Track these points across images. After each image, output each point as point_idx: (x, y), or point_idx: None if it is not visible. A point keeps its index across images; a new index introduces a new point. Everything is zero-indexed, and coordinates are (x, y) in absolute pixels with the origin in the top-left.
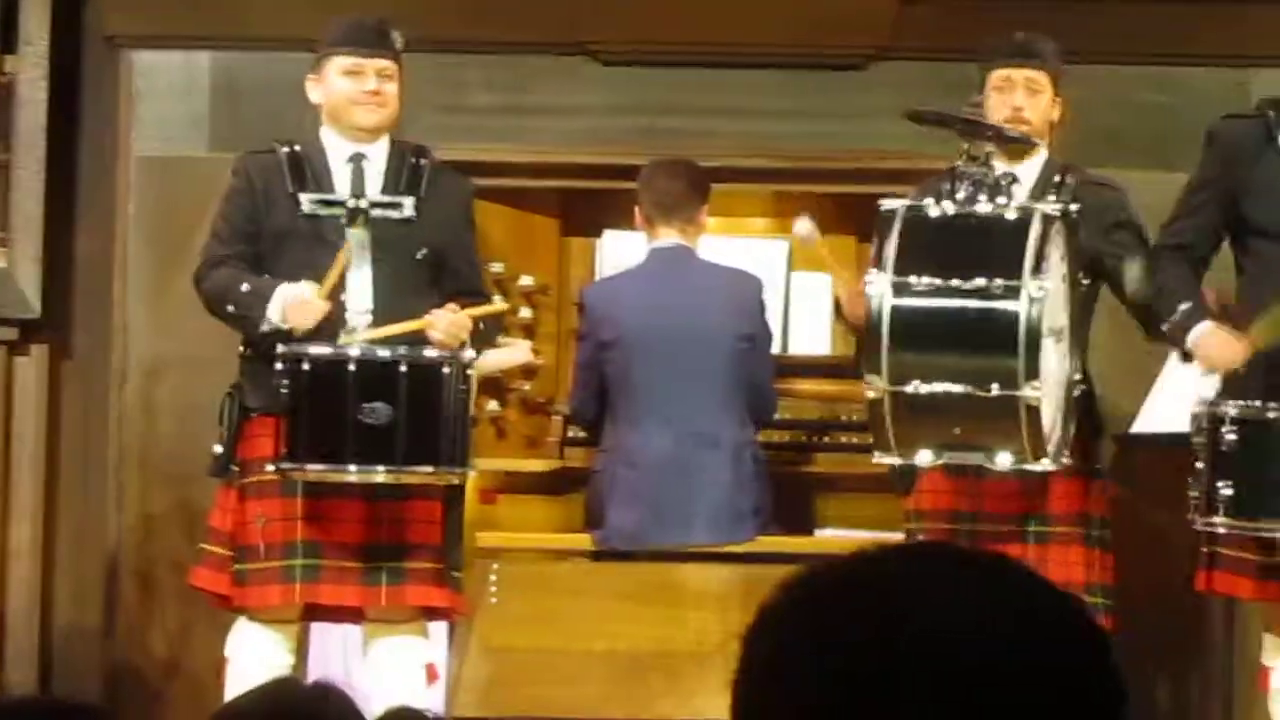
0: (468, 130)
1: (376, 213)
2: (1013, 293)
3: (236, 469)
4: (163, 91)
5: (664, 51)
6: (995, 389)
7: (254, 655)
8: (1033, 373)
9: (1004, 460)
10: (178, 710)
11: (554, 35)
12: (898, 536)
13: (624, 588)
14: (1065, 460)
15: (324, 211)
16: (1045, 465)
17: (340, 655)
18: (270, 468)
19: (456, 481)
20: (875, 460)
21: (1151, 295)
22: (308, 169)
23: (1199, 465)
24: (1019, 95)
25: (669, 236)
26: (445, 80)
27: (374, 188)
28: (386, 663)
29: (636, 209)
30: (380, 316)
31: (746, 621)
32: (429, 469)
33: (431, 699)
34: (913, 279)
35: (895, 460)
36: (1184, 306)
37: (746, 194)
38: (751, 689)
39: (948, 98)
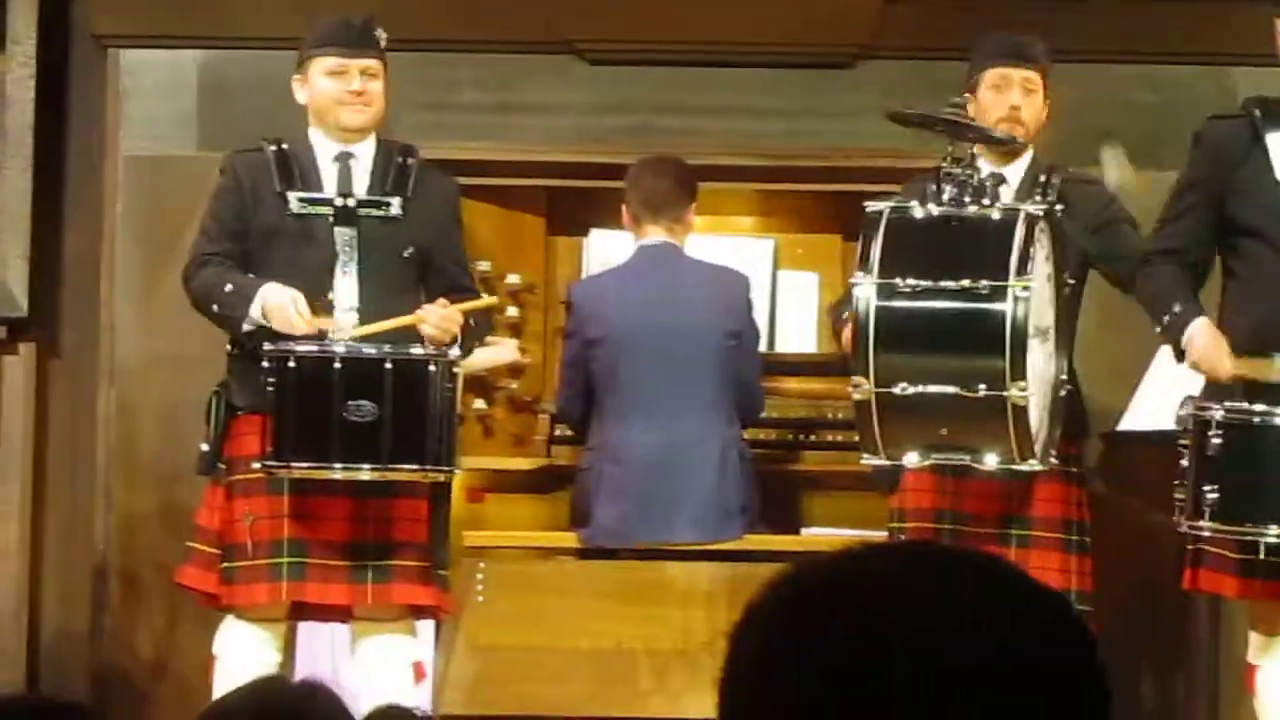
0: (454, 129)
1: (363, 212)
2: (998, 293)
3: (224, 467)
4: (150, 90)
5: (651, 50)
6: (982, 390)
7: (242, 653)
8: (1019, 373)
9: (991, 461)
10: (166, 709)
11: (541, 34)
12: (883, 535)
13: (611, 586)
14: (1052, 460)
15: (311, 210)
16: (1032, 465)
17: (328, 653)
18: (256, 466)
19: (442, 480)
20: (863, 462)
21: (1144, 301)
22: (295, 168)
23: (1185, 465)
24: (1015, 94)
25: (656, 235)
26: (432, 79)
27: (361, 187)
28: (374, 661)
29: (624, 207)
30: (367, 315)
31: (733, 619)
32: (414, 467)
33: (418, 697)
34: (898, 280)
35: (883, 462)
36: (1177, 307)
37: (733, 192)
38: (738, 687)
39: (933, 97)
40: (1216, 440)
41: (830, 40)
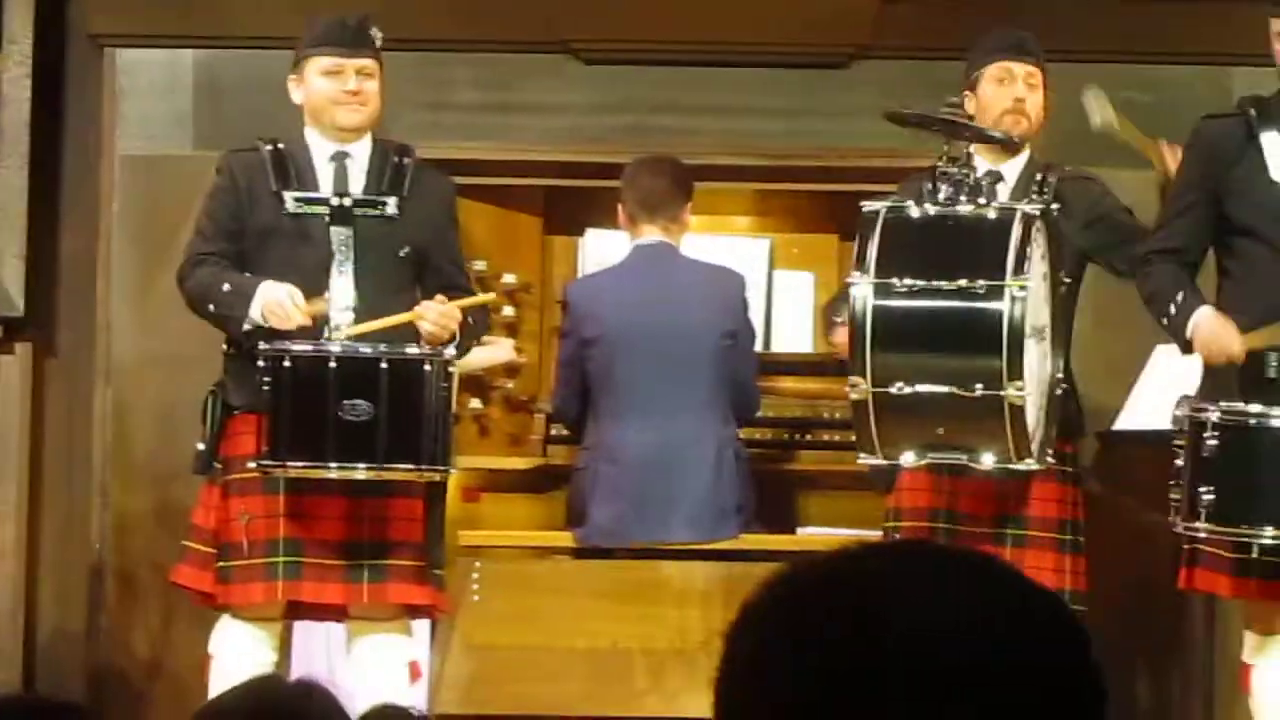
0: (451, 128)
1: (359, 211)
2: (995, 293)
3: (220, 466)
4: (146, 90)
5: (647, 50)
6: (979, 389)
7: (237, 653)
8: (1016, 373)
9: (988, 460)
10: (161, 708)
11: (537, 34)
12: (879, 535)
13: (606, 585)
14: (1049, 460)
15: (308, 210)
16: (1029, 465)
17: (324, 653)
18: (252, 465)
19: (438, 479)
20: (860, 461)
21: (1145, 303)
22: (291, 167)
23: (1180, 465)
24: (1020, 86)
25: (652, 234)
26: (429, 78)
27: (357, 186)
28: (369, 660)
29: (620, 207)
30: (363, 315)
31: (729, 619)
32: (410, 467)
33: (414, 697)
34: (895, 280)
35: (879, 461)
36: (1180, 297)
37: (729, 192)
38: (733, 686)
39: (930, 97)
40: (1212, 441)
41: (827, 40)
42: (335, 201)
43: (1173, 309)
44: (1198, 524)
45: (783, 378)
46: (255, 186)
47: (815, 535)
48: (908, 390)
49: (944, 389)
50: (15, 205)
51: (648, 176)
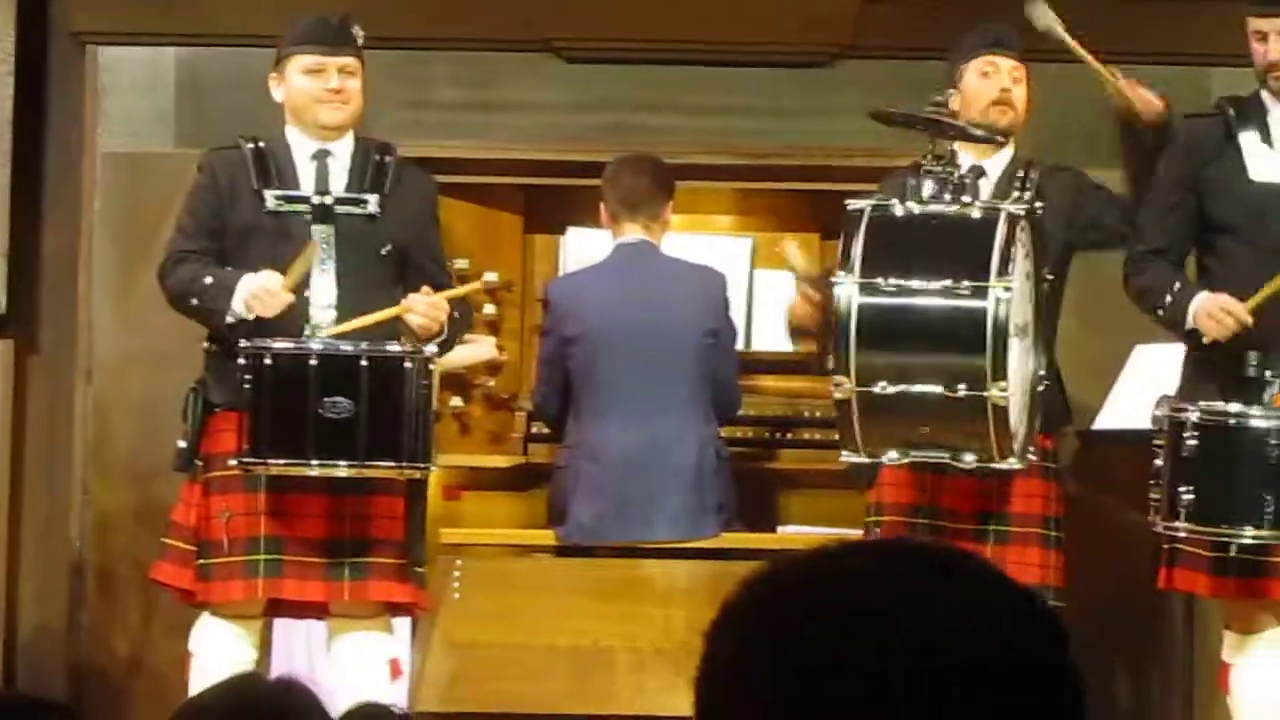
0: (432, 126)
1: (341, 209)
2: (980, 293)
3: (200, 464)
4: (128, 87)
5: (628, 49)
6: (963, 389)
7: (218, 650)
8: (1000, 373)
9: (970, 459)
10: (142, 705)
11: (518, 32)
12: (860, 533)
13: (587, 583)
14: (1030, 458)
15: (289, 208)
16: (1011, 464)
17: (304, 650)
18: (233, 462)
19: (419, 477)
20: (843, 459)
21: (1136, 301)
22: (272, 165)
23: (1160, 465)
24: (1005, 78)
25: (633, 233)
26: (410, 76)
27: (339, 184)
28: (350, 658)
29: (601, 205)
30: (344, 313)
31: (709, 617)
32: (391, 464)
33: (395, 694)
34: (880, 279)
35: (862, 460)
36: (1177, 286)
37: (711, 191)
38: (714, 685)
39: (912, 96)
40: (1192, 441)
41: (809, 39)
42: (316, 200)
43: (1169, 299)
44: (1177, 523)
45: (764, 376)
46: (236, 185)
47: (796, 534)
48: (891, 390)
49: (928, 389)
50: None
51: (629, 175)
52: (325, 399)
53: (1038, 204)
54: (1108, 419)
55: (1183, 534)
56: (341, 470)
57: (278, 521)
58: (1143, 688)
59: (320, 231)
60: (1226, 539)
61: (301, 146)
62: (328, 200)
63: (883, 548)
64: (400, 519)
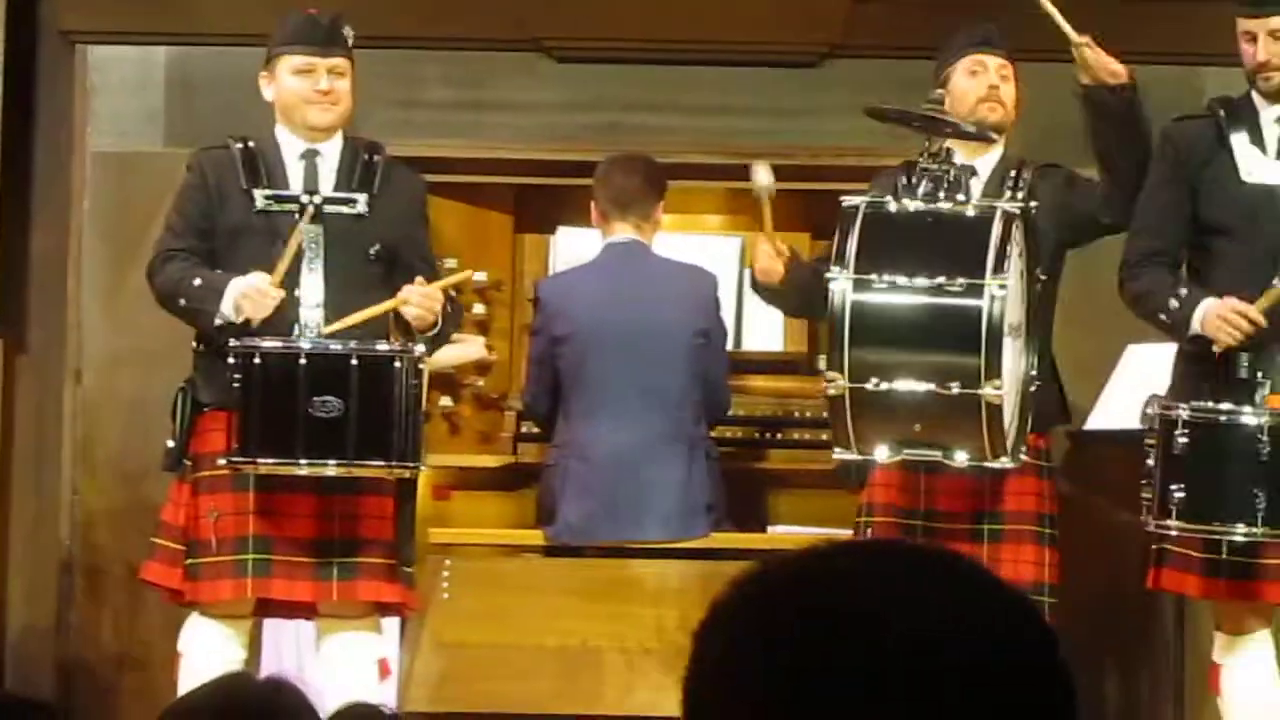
0: (423, 126)
1: (329, 209)
2: (974, 291)
3: (189, 463)
4: (117, 86)
5: (619, 48)
6: (956, 388)
7: (207, 650)
8: (994, 372)
9: (962, 458)
10: (131, 705)
11: (509, 32)
12: (850, 533)
13: (577, 583)
14: (1023, 457)
15: (277, 208)
16: (1004, 463)
17: (293, 650)
18: (222, 462)
19: (408, 476)
20: (835, 456)
21: (1133, 305)
22: (261, 165)
23: (1151, 464)
24: (993, 76)
25: (624, 232)
26: (400, 76)
27: (327, 184)
28: (339, 658)
29: (592, 205)
30: (333, 312)
31: (699, 617)
32: (380, 463)
33: (383, 694)
34: (874, 276)
35: (854, 457)
36: (1183, 290)
37: (701, 190)
38: (703, 685)
39: (902, 95)
40: (1183, 439)
41: (799, 39)
42: (305, 199)
43: (1174, 303)
44: (1169, 522)
45: (754, 376)
46: (225, 184)
47: (786, 534)
48: (884, 387)
49: (921, 386)
50: None
51: (620, 175)
52: (314, 398)
53: (1032, 203)
54: (1099, 419)
55: (1175, 532)
56: (331, 469)
57: (266, 521)
58: (1133, 688)
59: (309, 231)
60: (1218, 537)
61: (290, 146)
62: (316, 200)
63: (873, 548)
64: (389, 519)
